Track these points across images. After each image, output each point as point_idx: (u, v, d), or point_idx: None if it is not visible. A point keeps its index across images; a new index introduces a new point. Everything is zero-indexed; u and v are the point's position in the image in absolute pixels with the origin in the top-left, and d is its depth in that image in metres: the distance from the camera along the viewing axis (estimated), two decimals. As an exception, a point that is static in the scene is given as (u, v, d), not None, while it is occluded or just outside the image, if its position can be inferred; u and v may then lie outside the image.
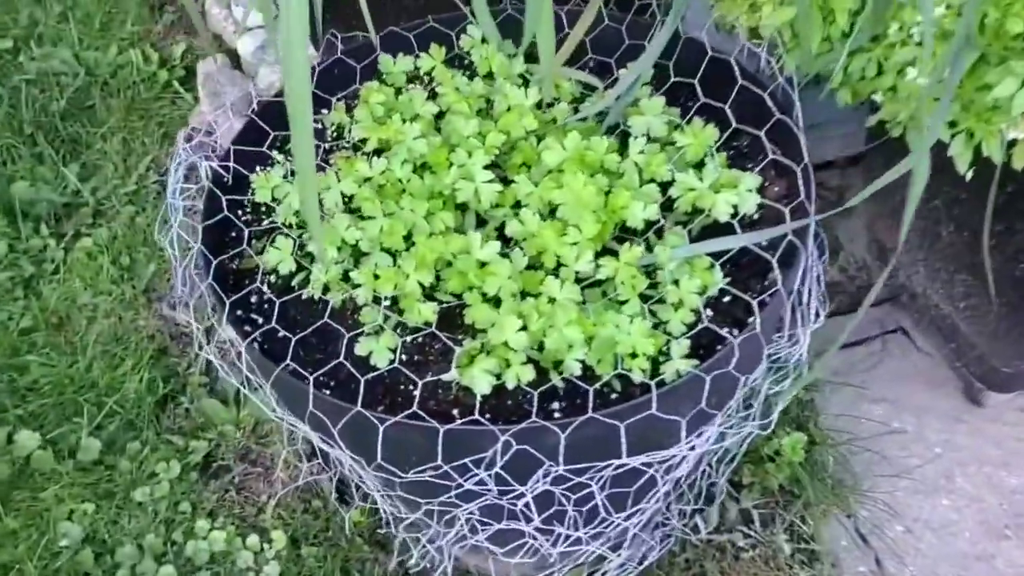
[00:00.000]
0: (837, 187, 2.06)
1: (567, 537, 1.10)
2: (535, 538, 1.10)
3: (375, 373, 1.07)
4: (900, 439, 1.76)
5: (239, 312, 1.18)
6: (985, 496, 1.69)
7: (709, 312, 1.08)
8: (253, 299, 1.19)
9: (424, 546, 1.27)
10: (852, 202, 1.06)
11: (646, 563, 1.45)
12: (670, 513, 1.51)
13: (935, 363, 1.85)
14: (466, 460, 1.00)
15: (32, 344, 1.98)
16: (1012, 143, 1.10)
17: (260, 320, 1.17)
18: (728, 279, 1.10)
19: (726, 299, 1.11)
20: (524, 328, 1.04)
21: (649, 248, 1.12)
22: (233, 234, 1.26)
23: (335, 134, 1.37)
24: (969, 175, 1.18)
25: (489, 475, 1.01)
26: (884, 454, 1.73)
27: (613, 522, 1.10)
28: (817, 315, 1.18)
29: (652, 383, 1.00)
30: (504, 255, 1.11)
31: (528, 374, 1.02)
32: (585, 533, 1.10)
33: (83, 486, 1.77)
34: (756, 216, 1.17)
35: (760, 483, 1.66)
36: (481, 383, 1.02)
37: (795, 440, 1.65)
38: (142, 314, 2.02)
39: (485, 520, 1.11)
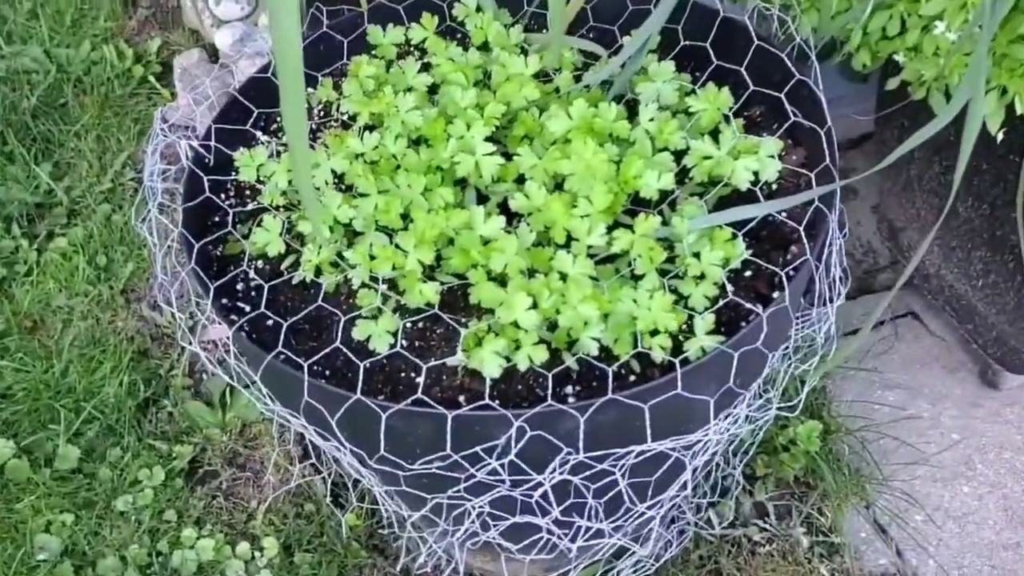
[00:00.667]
0: (839, 170, 2.01)
1: (587, 530, 1.02)
2: (552, 532, 1.02)
3: (374, 359, 0.99)
4: (916, 425, 1.69)
5: (225, 300, 1.09)
6: (1006, 482, 1.63)
7: (730, 287, 1.01)
8: (239, 286, 1.11)
9: (431, 545, 1.19)
10: (881, 165, 0.99)
11: (663, 560, 1.37)
12: (684, 507, 1.44)
13: (949, 347, 1.79)
14: (477, 449, 0.92)
15: (5, 349, 1.88)
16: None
17: (247, 308, 1.08)
18: (748, 252, 1.03)
19: (746, 273, 1.04)
20: (535, 306, 0.96)
21: (664, 221, 1.05)
22: (216, 218, 1.18)
23: (322, 112, 1.29)
24: (1000, 137, 1.11)
25: (502, 465, 0.93)
26: (901, 441, 1.66)
27: (635, 512, 1.03)
28: (838, 293, 1.11)
29: (676, 361, 0.93)
30: (509, 232, 1.03)
31: (541, 354, 0.94)
32: (607, 524, 1.02)
33: (61, 496, 1.67)
34: (775, 186, 1.10)
35: (775, 474, 1.59)
36: (491, 366, 0.94)
37: (810, 428, 1.58)
38: (120, 315, 1.93)
39: (498, 514, 1.03)
